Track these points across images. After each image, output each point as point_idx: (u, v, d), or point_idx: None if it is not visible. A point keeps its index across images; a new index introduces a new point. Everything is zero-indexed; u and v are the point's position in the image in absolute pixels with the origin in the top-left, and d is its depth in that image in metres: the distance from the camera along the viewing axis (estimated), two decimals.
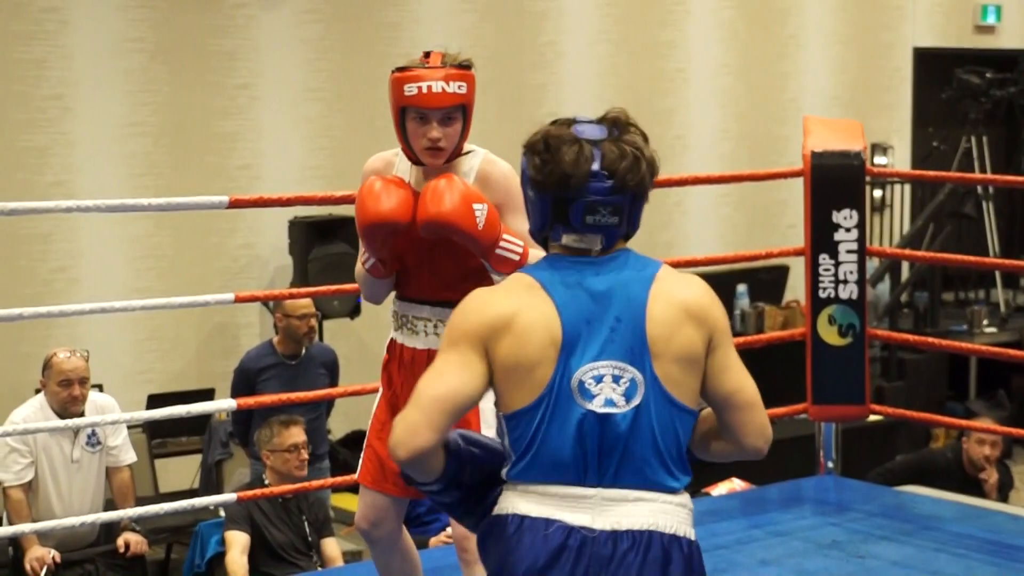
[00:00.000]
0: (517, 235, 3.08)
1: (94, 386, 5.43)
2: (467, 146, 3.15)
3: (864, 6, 9.79)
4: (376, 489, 3.25)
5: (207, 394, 6.58)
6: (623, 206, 2.34)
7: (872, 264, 7.74)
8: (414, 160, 3.13)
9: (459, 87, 3.07)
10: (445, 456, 2.33)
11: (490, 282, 3.02)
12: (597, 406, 2.28)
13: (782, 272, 8.78)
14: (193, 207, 4.29)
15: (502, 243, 3.06)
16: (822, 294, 4.83)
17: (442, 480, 2.34)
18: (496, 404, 2.36)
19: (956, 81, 9.12)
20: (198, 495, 6.14)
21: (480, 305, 2.34)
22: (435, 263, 3.15)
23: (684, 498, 2.36)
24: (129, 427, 5.66)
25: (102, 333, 6.79)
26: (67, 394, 5.13)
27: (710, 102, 9.00)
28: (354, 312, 7.10)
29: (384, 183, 3.08)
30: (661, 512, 2.31)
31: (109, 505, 5.35)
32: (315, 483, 5.05)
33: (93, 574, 5.28)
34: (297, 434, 5.19)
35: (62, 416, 5.04)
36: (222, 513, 5.24)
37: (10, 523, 5.03)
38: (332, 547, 5.20)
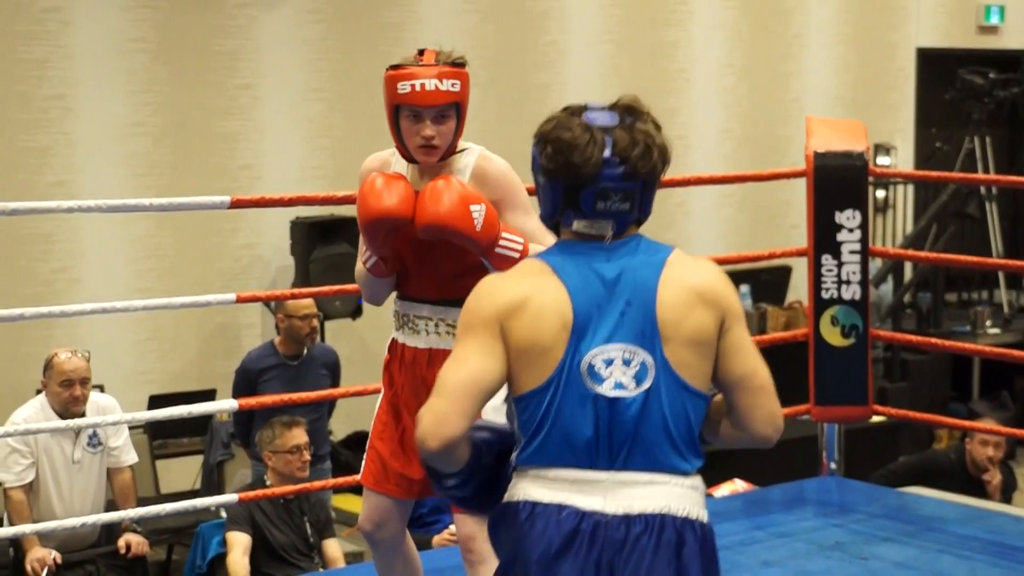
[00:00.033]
0: (516, 231, 3.08)
1: (95, 387, 5.42)
2: (462, 143, 3.15)
3: (867, 6, 9.77)
4: (379, 491, 3.25)
5: (208, 395, 6.59)
6: (634, 192, 2.34)
7: (875, 265, 7.73)
8: (408, 158, 3.14)
9: (452, 85, 3.06)
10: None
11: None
12: (607, 389, 2.28)
13: (785, 273, 8.77)
14: (194, 207, 4.29)
15: (501, 242, 3.06)
16: (825, 295, 4.82)
17: (464, 470, 2.33)
18: (507, 387, 2.35)
19: (959, 81, 9.11)
20: (199, 496, 6.13)
21: (493, 290, 2.35)
22: (434, 262, 3.15)
23: (696, 481, 2.35)
24: (130, 428, 5.66)
25: (103, 333, 6.78)
26: (68, 394, 5.12)
27: (713, 102, 8.99)
28: (356, 312, 7.09)
29: (386, 179, 3.09)
30: (673, 495, 2.30)
31: (110, 506, 5.34)
32: (317, 484, 5.06)
33: (94, 575, 5.27)
34: (299, 435, 5.18)
35: (63, 417, 5.03)
36: (223, 514, 5.23)
37: (11, 524, 5.02)
38: (333, 548, 5.20)
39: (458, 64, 3.09)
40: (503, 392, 2.35)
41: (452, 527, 4.47)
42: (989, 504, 5.39)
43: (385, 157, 3.22)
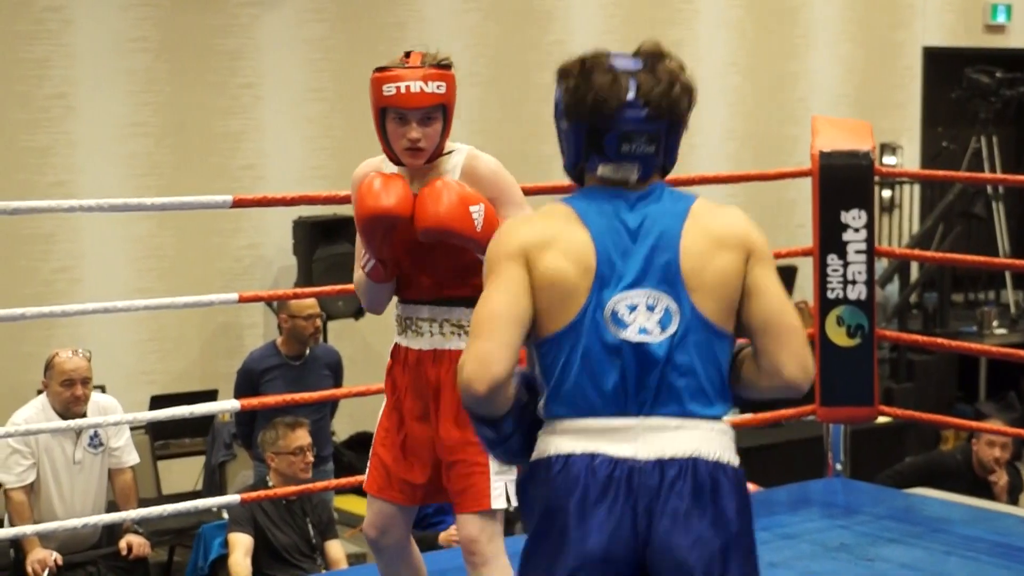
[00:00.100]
0: None
1: (96, 387, 5.41)
2: (450, 144, 3.14)
3: (873, 5, 9.75)
4: (382, 497, 3.24)
5: (210, 395, 6.58)
6: (660, 134, 2.32)
7: (881, 265, 7.69)
8: (395, 161, 3.13)
9: (438, 87, 3.05)
10: None
11: None
12: (631, 335, 2.26)
13: (790, 272, 8.74)
14: (196, 207, 4.28)
15: None
16: (830, 295, 4.79)
17: (514, 411, 2.29)
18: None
19: (966, 81, 9.09)
20: (201, 497, 6.10)
21: (516, 228, 2.33)
22: (432, 263, 3.14)
23: (725, 426, 2.32)
24: (132, 428, 5.64)
25: (104, 334, 6.77)
26: (69, 394, 5.10)
27: (718, 101, 8.96)
28: (358, 313, 7.07)
29: (383, 179, 3.08)
30: (704, 439, 2.27)
31: (111, 507, 5.32)
32: (319, 485, 5.03)
33: None
34: (302, 436, 5.16)
35: (64, 417, 5.01)
36: (225, 515, 5.21)
37: (11, 525, 5.01)
38: (336, 549, 5.18)
39: (444, 66, 3.09)
40: None
41: (453, 528, 4.45)
42: (996, 505, 5.37)
43: (377, 164, 3.22)
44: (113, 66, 6.98)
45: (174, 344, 7.22)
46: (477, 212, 3.01)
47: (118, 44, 6.99)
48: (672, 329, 2.27)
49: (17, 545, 5.19)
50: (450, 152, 3.14)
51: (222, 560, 5.17)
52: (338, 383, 6.00)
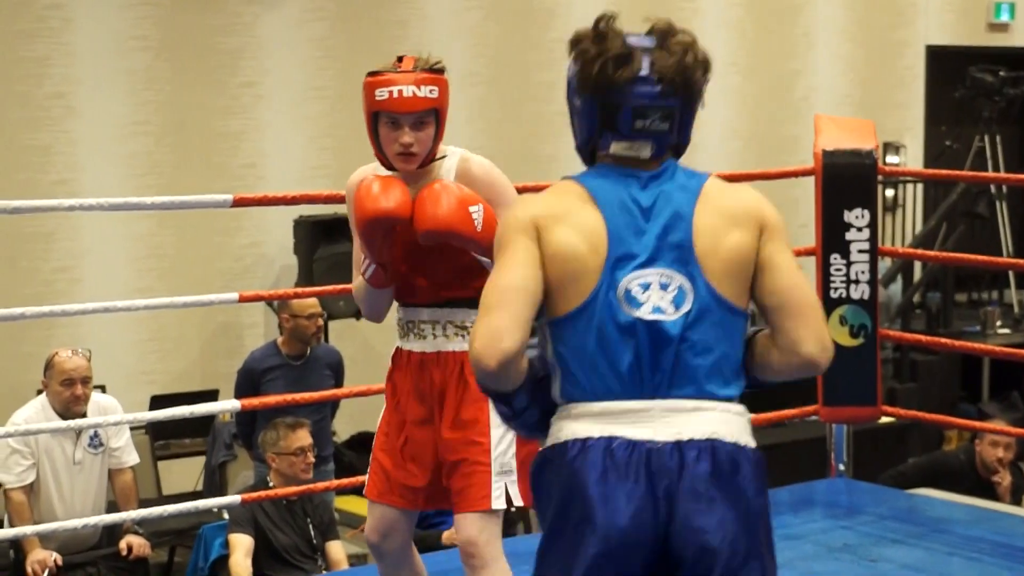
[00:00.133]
0: None
1: (96, 387, 5.39)
2: (442, 148, 3.14)
3: (876, 4, 9.73)
4: (383, 502, 3.24)
5: (211, 395, 6.57)
6: (674, 111, 2.31)
7: (884, 264, 7.68)
8: (388, 166, 3.13)
9: (431, 91, 3.05)
10: None
11: (485, 274, 2.98)
12: (645, 313, 2.24)
13: None
14: (197, 206, 4.28)
15: None
16: (833, 294, 4.78)
17: (528, 385, 2.27)
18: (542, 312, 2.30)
19: (969, 79, 9.08)
20: (201, 497, 6.09)
21: (527, 203, 2.32)
22: (431, 265, 3.14)
23: (741, 407, 2.30)
24: (132, 428, 5.64)
25: (105, 333, 6.76)
26: (69, 394, 5.09)
27: (719, 101, 8.94)
28: (359, 313, 7.04)
29: (382, 181, 3.08)
30: (721, 421, 2.25)
31: (111, 507, 5.31)
32: (320, 485, 5.02)
33: None
34: (303, 437, 5.15)
35: (64, 417, 5.00)
36: (226, 515, 5.20)
37: (11, 525, 5.00)
38: (337, 550, 5.17)
39: (436, 70, 3.08)
40: None
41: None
42: (999, 506, 5.37)
43: (370, 172, 3.20)
44: (114, 65, 6.98)
45: (174, 344, 7.21)
46: (477, 213, 3.01)
47: (119, 43, 6.98)
48: (686, 307, 2.24)
49: (17, 545, 5.18)
50: (443, 156, 3.13)
51: (222, 561, 5.16)
52: (339, 383, 5.99)
